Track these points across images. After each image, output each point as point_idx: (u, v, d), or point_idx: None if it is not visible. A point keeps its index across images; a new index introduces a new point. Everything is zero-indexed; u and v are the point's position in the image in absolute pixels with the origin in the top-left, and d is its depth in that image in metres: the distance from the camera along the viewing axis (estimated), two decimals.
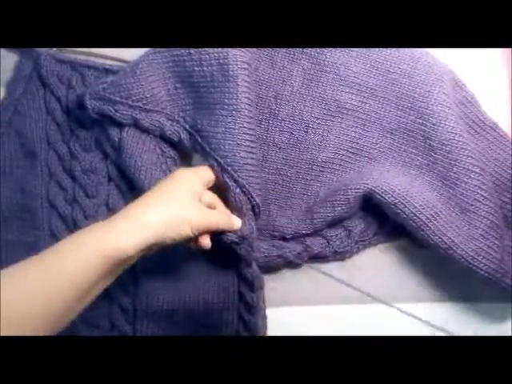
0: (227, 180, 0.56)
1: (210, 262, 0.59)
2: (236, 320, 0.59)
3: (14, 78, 0.65)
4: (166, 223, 0.50)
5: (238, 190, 0.56)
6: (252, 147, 0.57)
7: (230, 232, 0.55)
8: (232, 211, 0.57)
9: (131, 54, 0.61)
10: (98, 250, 0.47)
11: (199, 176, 0.56)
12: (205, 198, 0.55)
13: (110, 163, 0.63)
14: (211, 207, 0.56)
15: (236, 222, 0.56)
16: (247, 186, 0.57)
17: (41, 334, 0.45)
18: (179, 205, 0.51)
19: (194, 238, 0.53)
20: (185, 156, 0.62)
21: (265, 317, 0.58)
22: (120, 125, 0.60)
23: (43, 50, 0.63)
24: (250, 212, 0.57)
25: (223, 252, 0.57)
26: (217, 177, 0.57)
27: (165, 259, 0.60)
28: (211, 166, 0.57)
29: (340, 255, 0.61)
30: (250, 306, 0.58)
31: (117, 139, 0.60)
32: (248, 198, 0.57)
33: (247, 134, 0.56)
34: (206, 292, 0.59)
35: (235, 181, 0.56)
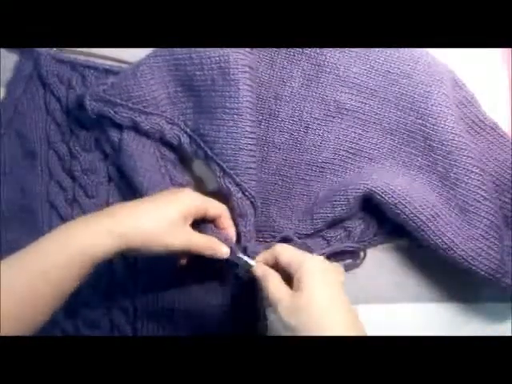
0: (229, 185, 0.56)
1: (209, 263, 0.59)
2: (235, 321, 0.59)
3: (14, 78, 0.65)
4: (140, 237, 0.50)
5: (240, 195, 0.57)
6: (254, 151, 0.57)
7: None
8: (234, 216, 0.57)
9: (131, 54, 0.61)
10: (75, 253, 0.48)
11: (202, 204, 0.55)
12: (210, 212, 0.55)
13: (109, 163, 0.63)
14: (216, 219, 0.56)
15: (222, 252, 0.55)
16: (249, 190, 0.57)
17: (25, 325, 0.46)
18: (160, 222, 0.51)
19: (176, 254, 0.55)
20: (185, 160, 0.62)
21: (265, 317, 0.59)
22: (120, 126, 0.60)
23: (43, 50, 0.63)
24: (253, 218, 0.57)
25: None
26: (219, 183, 0.57)
27: (165, 260, 0.60)
28: (214, 171, 0.57)
29: (342, 256, 0.61)
30: (248, 306, 0.58)
31: (117, 140, 0.60)
32: (251, 203, 0.57)
33: (249, 137, 0.56)
34: (204, 293, 0.59)
35: (237, 185, 0.56)
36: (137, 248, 0.50)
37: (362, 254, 0.61)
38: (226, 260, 0.55)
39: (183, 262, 0.57)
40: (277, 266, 0.52)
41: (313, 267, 0.49)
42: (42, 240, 0.49)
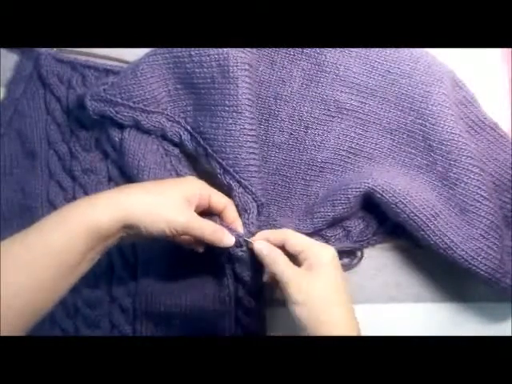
0: (230, 181, 0.57)
1: (208, 267, 0.59)
2: (234, 325, 0.59)
3: (14, 78, 0.65)
4: (141, 211, 0.50)
5: (241, 190, 0.57)
6: (254, 148, 0.57)
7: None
8: (238, 212, 0.57)
9: (131, 54, 0.62)
10: (78, 226, 0.48)
11: (206, 191, 0.55)
12: (214, 201, 0.55)
13: (110, 163, 0.63)
14: (221, 212, 0.56)
15: (226, 240, 0.54)
16: (250, 187, 0.57)
17: (32, 312, 0.46)
18: (163, 200, 0.51)
19: (182, 240, 0.54)
20: (191, 154, 0.62)
21: (264, 318, 0.59)
22: (121, 125, 0.60)
23: (43, 50, 0.63)
24: (256, 211, 0.57)
25: (221, 254, 0.57)
26: (220, 179, 0.57)
27: (165, 262, 0.60)
28: (214, 169, 0.58)
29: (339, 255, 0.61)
30: (247, 310, 0.58)
31: (117, 139, 0.60)
32: (253, 198, 0.57)
33: (248, 135, 0.56)
34: (203, 297, 0.59)
35: (238, 181, 0.56)
36: (136, 223, 0.50)
37: (359, 253, 0.61)
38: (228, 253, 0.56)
39: (199, 248, 0.56)
40: (280, 248, 0.53)
41: (327, 255, 0.50)
42: (45, 217, 0.49)
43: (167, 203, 0.51)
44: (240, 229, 0.56)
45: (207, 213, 0.56)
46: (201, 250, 0.56)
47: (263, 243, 0.53)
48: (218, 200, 0.56)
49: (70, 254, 0.48)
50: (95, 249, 0.49)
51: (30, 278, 0.46)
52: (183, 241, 0.55)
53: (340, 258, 0.61)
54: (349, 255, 0.62)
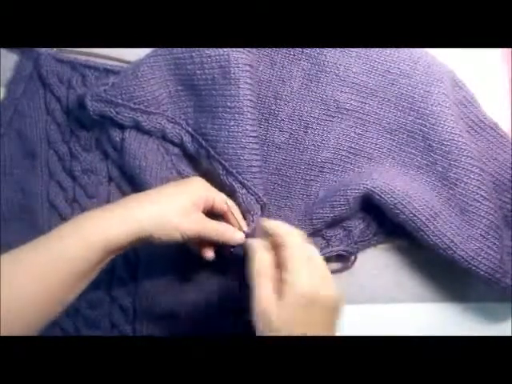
0: (233, 182, 0.57)
1: (209, 266, 0.59)
2: (235, 322, 0.59)
3: (14, 77, 0.65)
4: (154, 222, 0.51)
5: (244, 191, 0.57)
6: (256, 149, 0.57)
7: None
8: (241, 213, 0.57)
9: (132, 54, 0.61)
10: (93, 237, 0.49)
11: (211, 193, 0.56)
12: (217, 202, 0.55)
13: (110, 163, 0.63)
14: (222, 212, 0.56)
15: (237, 237, 0.55)
16: (253, 188, 0.57)
17: (41, 316, 0.47)
18: (173, 208, 0.52)
19: (192, 243, 0.55)
20: (191, 153, 0.62)
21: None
22: (121, 125, 0.60)
23: (43, 50, 0.63)
24: (259, 212, 0.57)
25: (222, 254, 0.57)
26: (222, 180, 0.57)
27: (166, 262, 0.60)
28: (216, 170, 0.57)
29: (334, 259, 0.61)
30: (248, 310, 0.58)
31: (118, 140, 0.60)
32: (256, 199, 0.57)
33: (250, 136, 0.56)
34: (205, 295, 0.59)
35: (241, 182, 0.57)
36: (150, 234, 0.51)
37: (352, 257, 0.61)
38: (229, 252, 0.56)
39: (209, 254, 0.56)
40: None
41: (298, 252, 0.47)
42: (59, 227, 0.50)
43: (177, 211, 0.52)
44: (245, 228, 0.56)
45: (209, 214, 0.56)
46: (211, 256, 0.56)
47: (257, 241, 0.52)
48: (222, 202, 0.56)
49: (81, 260, 0.48)
50: (105, 260, 0.50)
51: (43, 285, 0.47)
52: (195, 244, 0.56)
53: (333, 261, 0.61)
54: (342, 259, 0.61)
